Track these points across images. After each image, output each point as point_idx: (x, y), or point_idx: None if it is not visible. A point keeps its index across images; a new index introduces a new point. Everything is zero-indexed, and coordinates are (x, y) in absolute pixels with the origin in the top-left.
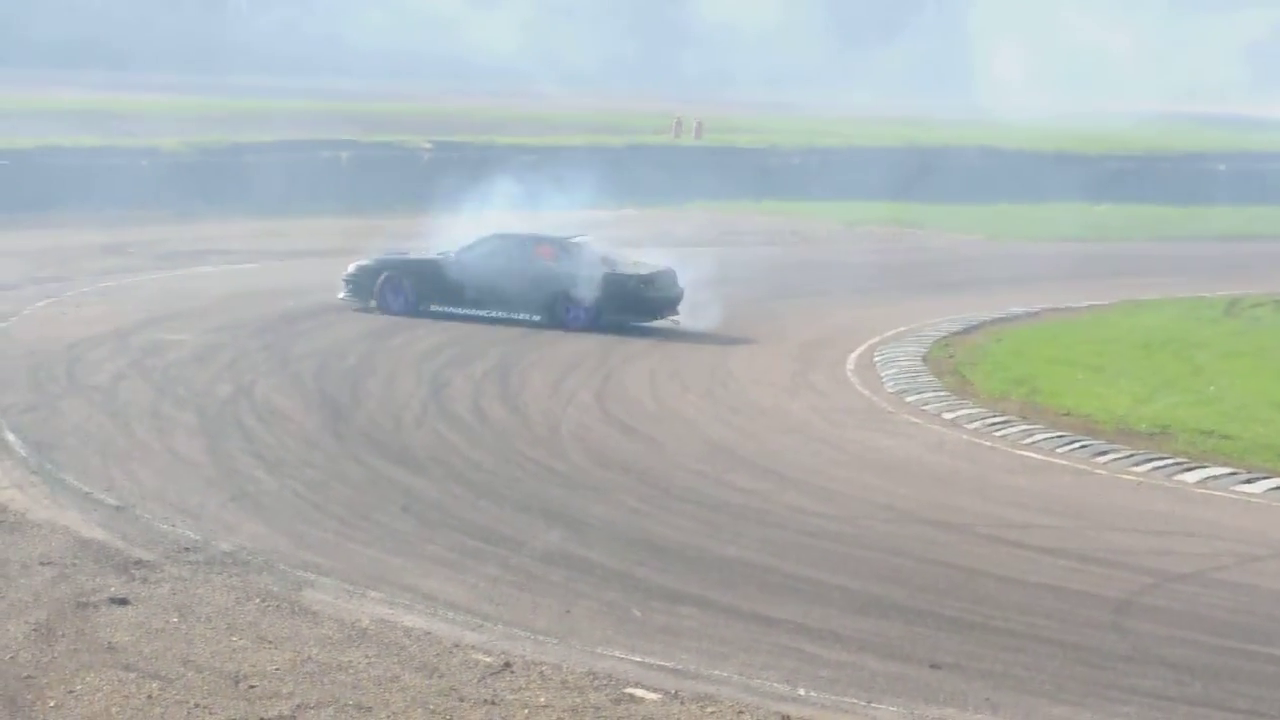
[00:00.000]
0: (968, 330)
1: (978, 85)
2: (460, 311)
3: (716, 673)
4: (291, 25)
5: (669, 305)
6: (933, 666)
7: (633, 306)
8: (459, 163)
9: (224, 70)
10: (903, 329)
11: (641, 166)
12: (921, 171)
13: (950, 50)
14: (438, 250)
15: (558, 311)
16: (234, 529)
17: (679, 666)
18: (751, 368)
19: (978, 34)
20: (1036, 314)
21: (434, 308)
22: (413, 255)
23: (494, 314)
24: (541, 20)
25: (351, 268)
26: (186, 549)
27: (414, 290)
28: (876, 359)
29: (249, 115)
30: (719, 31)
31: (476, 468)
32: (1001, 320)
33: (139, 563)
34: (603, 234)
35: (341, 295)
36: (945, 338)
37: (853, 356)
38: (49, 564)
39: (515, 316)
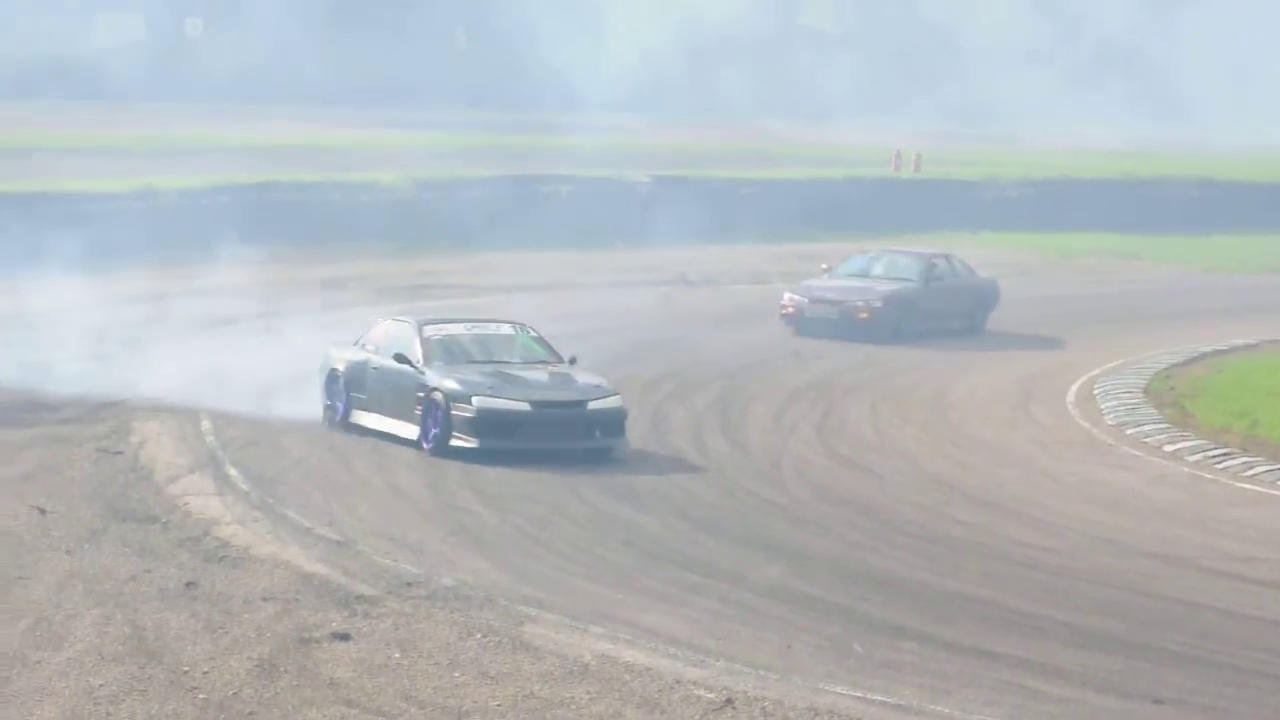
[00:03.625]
0: (1188, 362)
1: (1198, 117)
2: None
3: (938, 708)
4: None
5: None
6: (1155, 702)
7: None
8: (679, 197)
9: (440, 105)
10: (1122, 361)
11: (860, 199)
12: (1139, 203)
13: (1168, 81)
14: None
15: None
16: (455, 564)
17: (901, 702)
18: (972, 400)
19: (1193, 64)
20: (1257, 346)
21: None
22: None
23: None
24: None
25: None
26: (408, 584)
27: None
28: (1096, 391)
29: (467, 150)
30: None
31: (697, 501)
32: (1222, 352)
33: (360, 598)
34: (818, 267)
35: None
36: (1165, 369)
37: (1073, 389)
38: (271, 599)
39: None
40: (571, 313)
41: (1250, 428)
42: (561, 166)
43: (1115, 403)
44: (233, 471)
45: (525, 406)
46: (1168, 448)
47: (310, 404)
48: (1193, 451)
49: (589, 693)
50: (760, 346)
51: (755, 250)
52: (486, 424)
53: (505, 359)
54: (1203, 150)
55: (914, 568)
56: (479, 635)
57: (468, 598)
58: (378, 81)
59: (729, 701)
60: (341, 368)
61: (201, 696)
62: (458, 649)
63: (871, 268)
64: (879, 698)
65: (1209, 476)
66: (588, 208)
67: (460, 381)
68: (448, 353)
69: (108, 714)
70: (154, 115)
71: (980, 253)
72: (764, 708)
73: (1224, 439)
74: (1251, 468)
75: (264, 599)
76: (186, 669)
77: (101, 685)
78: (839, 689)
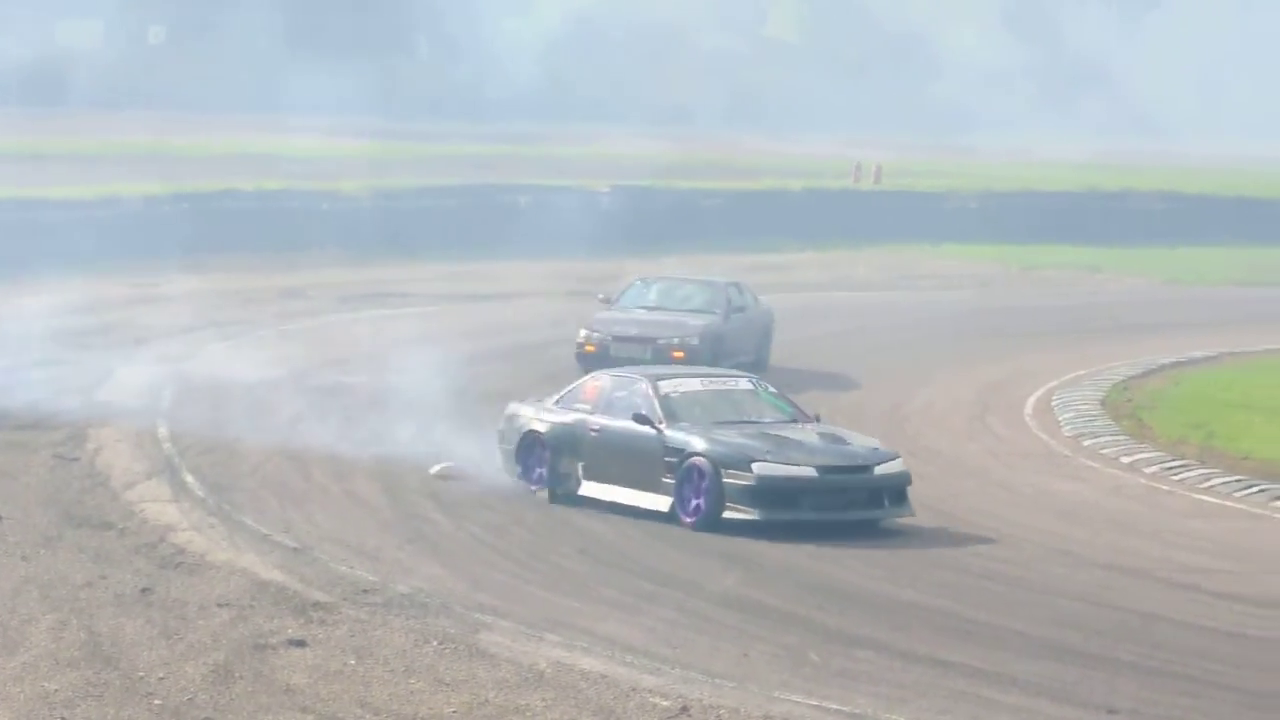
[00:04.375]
0: (1146, 374)
1: (1164, 129)
2: None
3: (893, 717)
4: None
5: None
6: (1110, 712)
7: None
8: (640, 208)
9: (399, 115)
10: (1081, 373)
11: (820, 210)
12: (1102, 216)
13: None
14: None
15: None
16: (411, 571)
17: (856, 711)
18: (929, 411)
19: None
20: (1215, 358)
21: None
22: None
23: None
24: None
25: None
26: (364, 591)
27: None
28: (1054, 403)
29: (425, 159)
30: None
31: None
32: (1180, 364)
33: (316, 605)
34: (779, 277)
35: None
36: (1123, 381)
37: (1031, 401)
38: (226, 606)
39: None
40: (528, 323)
41: (1207, 440)
42: (523, 176)
43: (1073, 414)
44: (189, 478)
45: (811, 472)
46: (1124, 459)
47: (271, 413)
48: (1149, 463)
49: (544, 700)
50: None
51: (717, 261)
52: (769, 493)
53: (754, 417)
54: (1167, 163)
55: (870, 578)
56: (435, 642)
57: (424, 605)
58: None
59: (684, 709)
60: (544, 430)
61: (157, 702)
62: (413, 656)
63: (664, 298)
64: (834, 706)
65: (1165, 488)
66: (548, 218)
67: (729, 445)
68: (692, 412)
69: (62, 719)
70: (116, 123)
71: (941, 265)
72: (719, 716)
73: (1181, 451)
74: (1208, 479)
75: (220, 605)
76: (142, 674)
77: (56, 690)
78: (794, 697)
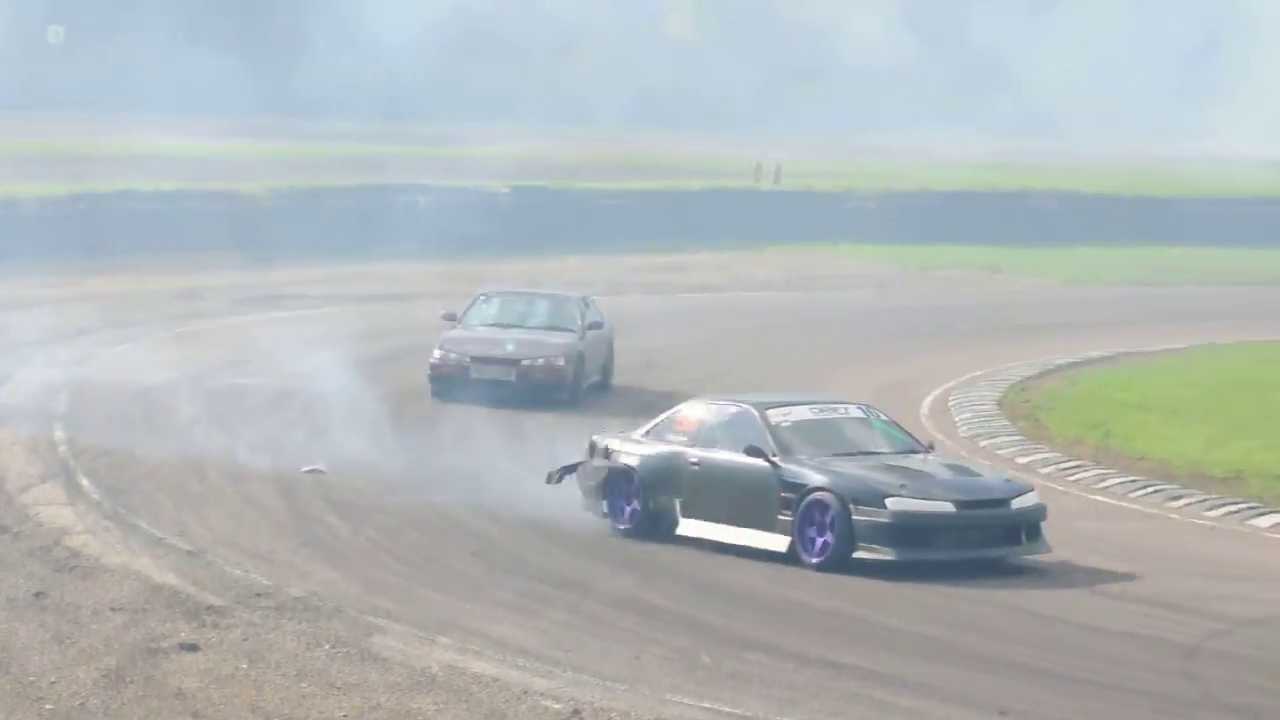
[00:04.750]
0: (1043, 374)
1: (1062, 129)
2: None
3: (785, 719)
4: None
5: None
6: (1001, 714)
7: None
8: (538, 207)
9: (298, 113)
10: (978, 373)
11: (719, 210)
12: (1000, 216)
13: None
14: None
15: None
16: (305, 575)
17: (748, 713)
18: None
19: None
20: (1112, 358)
21: None
22: None
23: None
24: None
25: None
26: (258, 594)
27: None
28: (951, 403)
29: (324, 160)
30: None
31: (549, 513)
32: (1077, 364)
33: (209, 608)
34: (677, 277)
35: None
36: (1020, 382)
37: (928, 401)
38: (120, 609)
39: None
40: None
41: (1103, 440)
42: (421, 176)
43: (970, 414)
44: (85, 481)
45: (949, 507)
46: (1020, 459)
47: (167, 416)
48: (1046, 463)
49: (436, 704)
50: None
51: (615, 261)
52: (905, 531)
53: (870, 447)
54: (1066, 162)
55: (762, 580)
56: (327, 646)
57: (317, 608)
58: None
59: (576, 712)
60: (635, 464)
61: (48, 707)
62: (305, 659)
63: (513, 314)
64: (726, 709)
65: (1061, 488)
66: (446, 218)
67: (857, 479)
68: (807, 442)
69: None
70: (14, 123)
71: (840, 265)
72: (611, 718)
73: (1077, 451)
74: (1104, 480)
75: (113, 609)
76: (33, 679)
77: None
78: (686, 700)
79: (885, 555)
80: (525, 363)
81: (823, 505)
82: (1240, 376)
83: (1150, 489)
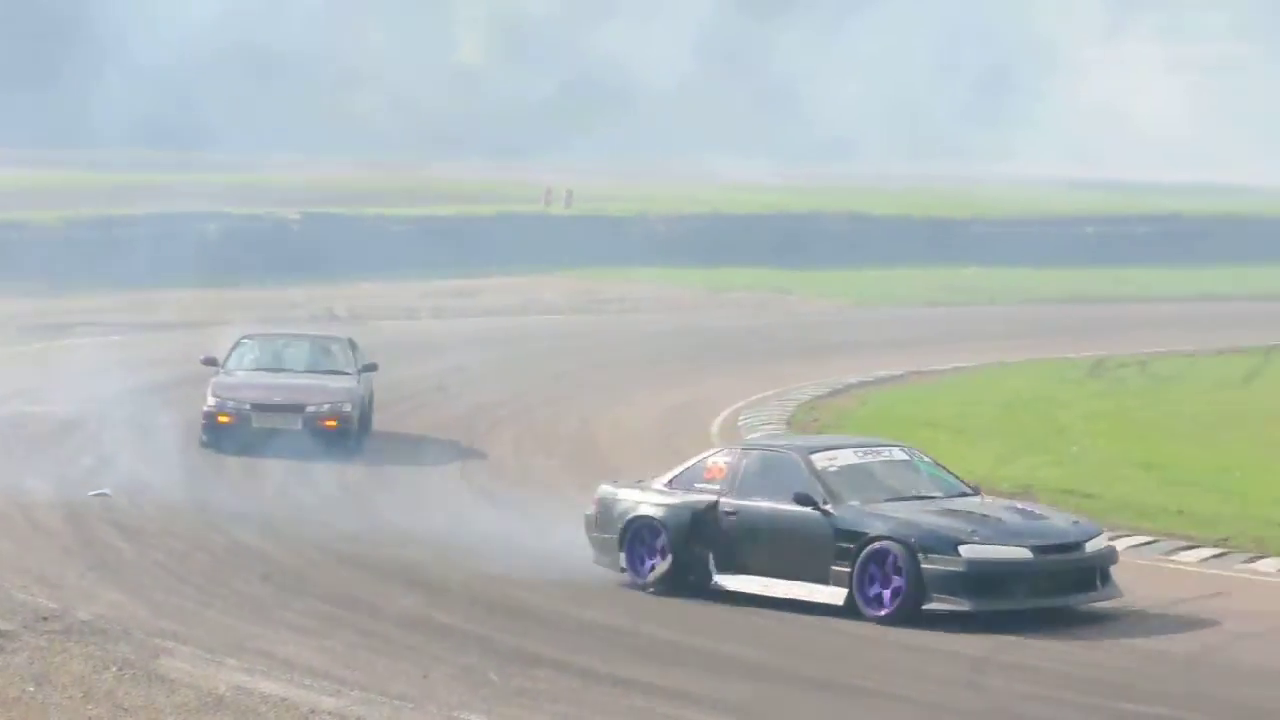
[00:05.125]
0: (833, 394)
1: (855, 151)
2: None
3: None
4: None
5: None
6: None
7: None
8: (328, 233)
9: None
10: (769, 393)
11: (510, 235)
12: (791, 238)
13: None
14: None
15: None
16: (93, 598)
17: None
18: (616, 433)
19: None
20: (902, 377)
21: None
22: None
23: None
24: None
25: None
26: (44, 618)
27: None
28: (741, 423)
29: (115, 189)
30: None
31: (337, 535)
32: (867, 384)
33: None
34: (469, 303)
35: None
36: (810, 401)
37: (718, 420)
38: None
39: None
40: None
41: None
42: (212, 204)
43: (759, 434)
44: None
45: (1025, 554)
46: None
47: None
48: None
49: None
50: (405, 382)
51: (406, 287)
52: (982, 580)
53: (922, 491)
54: (856, 185)
55: (551, 598)
56: (114, 668)
57: (104, 631)
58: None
59: None
60: (659, 515)
61: None
62: (93, 682)
63: (281, 359)
64: None
65: None
66: (238, 245)
67: (924, 526)
68: (857, 487)
69: None
70: None
71: (631, 288)
72: None
73: None
74: None
75: None
76: None
77: None
78: (474, 717)
79: (960, 606)
80: (310, 409)
81: (885, 554)
82: (1028, 394)
83: None
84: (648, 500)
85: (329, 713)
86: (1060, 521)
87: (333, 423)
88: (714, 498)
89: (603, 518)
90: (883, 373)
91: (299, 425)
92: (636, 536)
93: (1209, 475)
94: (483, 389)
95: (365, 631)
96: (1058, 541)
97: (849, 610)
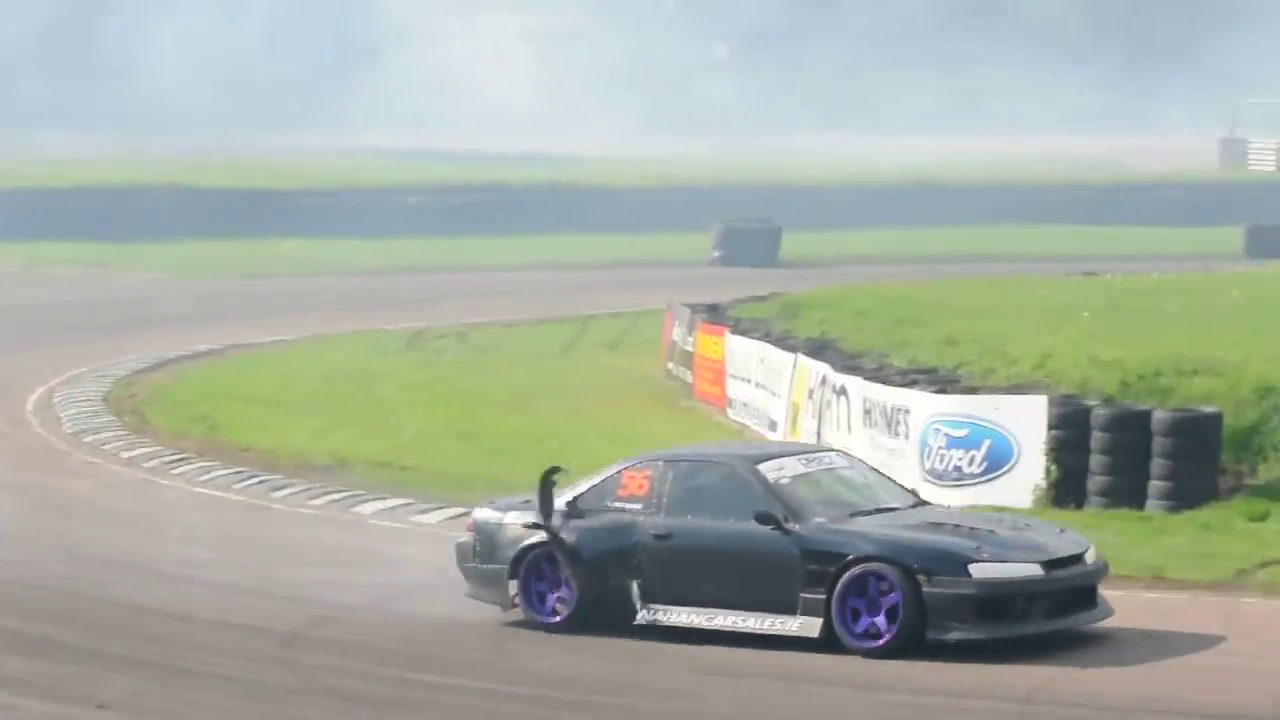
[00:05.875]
0: (151, 369)
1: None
2: None
3: None
4: None
5: None
6: (99, 706)
7: None
8: None
9: None
10: (85, 369)
11: None
12: (110, 211)
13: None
14: None
15: None
16: None
17: None
18: None
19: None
20: (222, 351)
21: None
22: None
23: None
24: None
25: None
26: None
27: None
28: (56, 400)
29: None
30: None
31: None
32: (187, 358)
33: None
34: None
35: None
36: (128, 376)
37: (33, 398)
38: None
39: None
40: None
41: (209, 432)
42: None
43: (75, 410)
44: None
45: (1036, 570)
46: (125, 454)
47: None
48: (150, 457)
49: None
50: None
51: None
52: (994, 603)
53: (882, 503)
54: (186, 159)
55: None
56: None
57: None
58: None
59: None
60: (572, 539)
61: None
62: None
63: None
64: None
65: (165, 482)
66: None
67: (921, 543)
68: (818, 501)
69: None
70: None
71: None
72: None
73: (182, 444)
74: (208, 472)
75: None
76: None
77: None
78: None
79: (974, 634)
80: None
81: (877, 578)
82: (348, 366)
83: (254, 480)
84: (547, 524)
85: None
86: (1052, 532)
87: None
88: (636, 518)
89: (484, 546)
90: (203, 347)
91: None
92: (533, 568)
93: (525, 444)
94: None
95: None
96: (1060, 555)
97: (826, 643)
